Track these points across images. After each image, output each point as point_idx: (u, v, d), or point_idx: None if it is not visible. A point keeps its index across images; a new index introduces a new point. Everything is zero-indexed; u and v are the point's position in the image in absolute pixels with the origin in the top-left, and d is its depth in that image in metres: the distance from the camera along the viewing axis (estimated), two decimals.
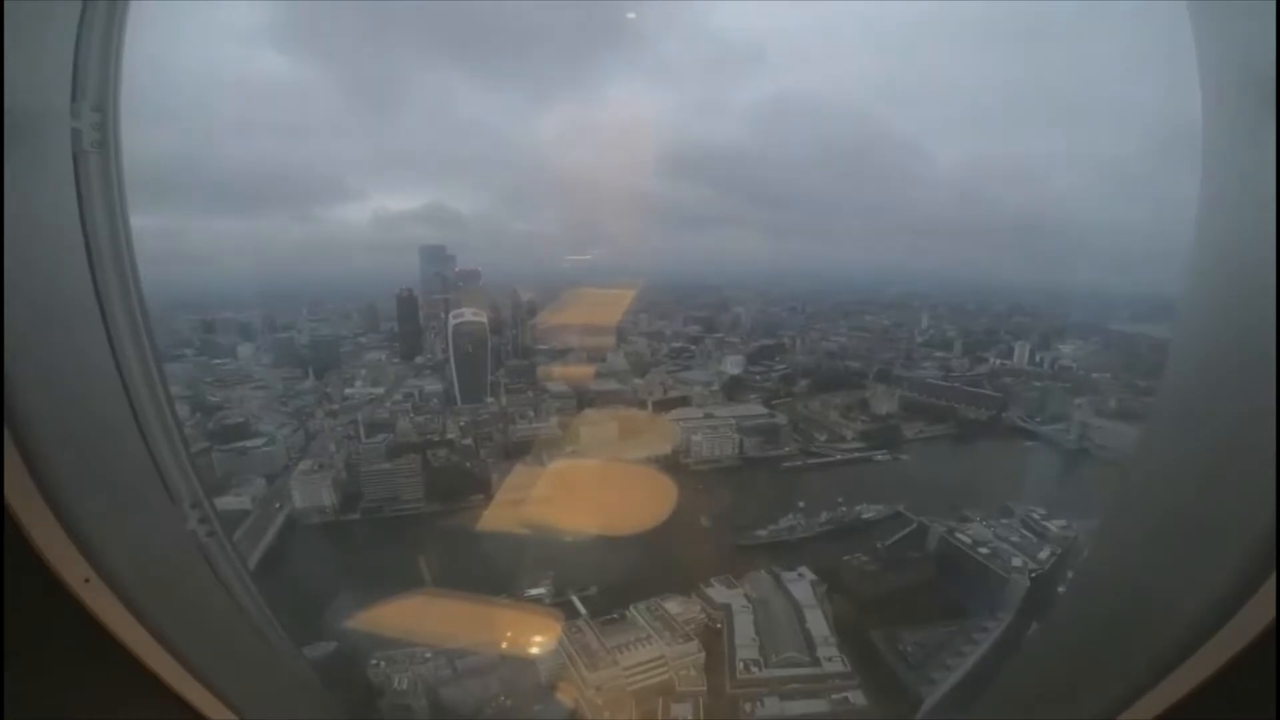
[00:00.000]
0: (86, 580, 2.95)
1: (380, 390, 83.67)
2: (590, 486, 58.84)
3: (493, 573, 48.72)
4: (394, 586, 46.57)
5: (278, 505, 61.05)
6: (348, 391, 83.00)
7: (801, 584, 50.35)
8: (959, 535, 55.67)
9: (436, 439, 74.52)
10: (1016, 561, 51.29)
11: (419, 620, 39.20)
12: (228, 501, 60.54)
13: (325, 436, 73.65)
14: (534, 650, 41.11)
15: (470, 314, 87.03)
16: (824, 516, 63.23)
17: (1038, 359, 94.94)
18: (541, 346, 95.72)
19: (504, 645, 38.32)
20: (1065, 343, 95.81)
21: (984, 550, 53.17)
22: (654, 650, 42.61)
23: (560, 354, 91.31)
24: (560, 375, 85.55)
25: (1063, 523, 56.17)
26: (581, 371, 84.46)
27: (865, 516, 63.42)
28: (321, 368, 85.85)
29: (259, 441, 68.81)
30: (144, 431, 4.05)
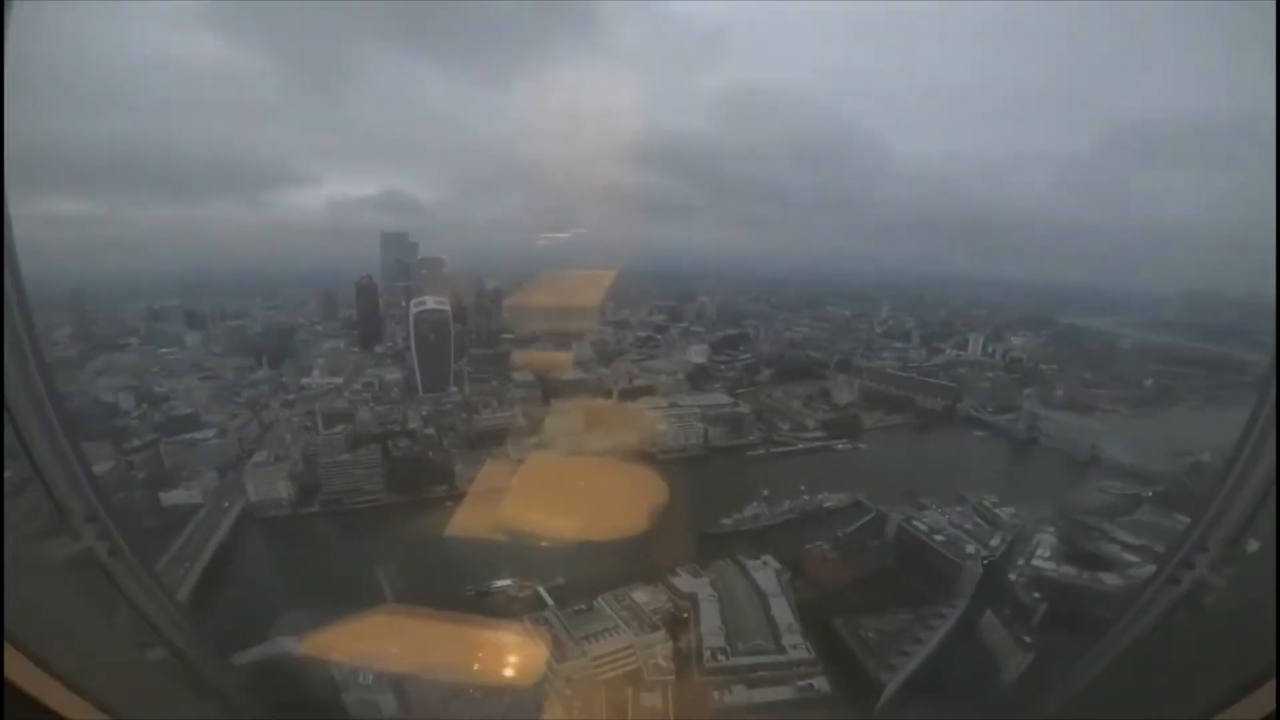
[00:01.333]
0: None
1: (339, 380, 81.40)
2: (560, 485, 58.37)
3: (459, 565, 48.14)
4: (355, 582, 45.66)
5: (227, 501, 58.90)
6: (304, 381, 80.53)
7: (766, 572, 51.16)
8: (916, 523, 57.26)
9: (398, 429, 72.98)
10: (970, 548, 53.11)
11: (381, 639, 37.84)
12: (177, 496, 58.51)
13: (281, 427, 71.44)
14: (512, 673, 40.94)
15: (433, 302, 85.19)
16: (787, 505, 64.30)
17: (990, 350, 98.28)
18: (507, 335, 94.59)
19: (475, 666, 37.48)
20: (1016, 335, 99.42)
21: (940, 538, 54.87)
22: (622, 640, 42.81)
23: (527, 342, 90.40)
24: (528, 363, 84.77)
25: (1012, 510, 58.45)
26: (550, 359, 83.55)
27: (827, 505, 64.75)
28: (276, 357, 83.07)
29: (209, 433, 66.26)
30: (26, 443, 3.67)
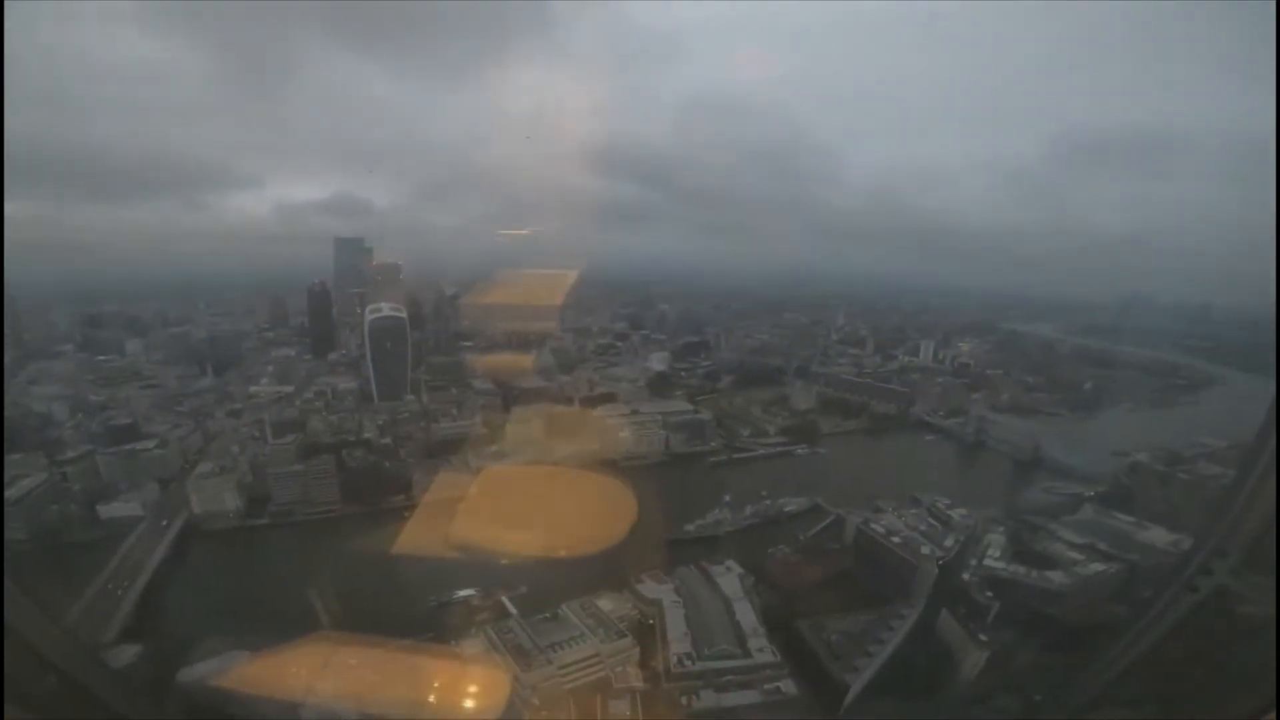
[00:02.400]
0: None
1: (289, 388, 78.57)
2: (521, 494, 57.48)
3: (421, 575, 46.93)
4: (306, 593, 44.01)
5: (169, 514, 56.07)
6: (252, 389, 77.45)
7: (729, 577, 51.48)
8: (873, 525, 58.60)
9: (352, 439, 70.83)
10: (926, 549, 54.63)
11: (334, 668, 35.87)
12: (115, 508, 55.43)
13: (226, 437, 68.48)
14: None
15: (389, 308, 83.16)
16: (748, 510, 64.98)
17: (940, 356, 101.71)
18: (466, 343, 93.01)
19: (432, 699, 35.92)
20: (964, 341, 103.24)
21: (896, 539, 56.28)
22: (588, 648, 42.37)
23: (487, 349, 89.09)
24: (487, 370, 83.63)
25: (964, 511, 60.43)
26: (510, 364, 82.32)
27: (787, 509, 65.70)
28: (222, 364, 79.71)
29: (149, 444, 63.03)
30: None
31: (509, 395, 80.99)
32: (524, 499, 55.91)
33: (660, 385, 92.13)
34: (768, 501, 66.33)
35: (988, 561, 52.75)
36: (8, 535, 45.05)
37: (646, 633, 45.55)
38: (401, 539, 50.53)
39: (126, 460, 60.41)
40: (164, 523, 55.19)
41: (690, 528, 61.45)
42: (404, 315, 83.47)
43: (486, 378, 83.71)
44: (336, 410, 76.09)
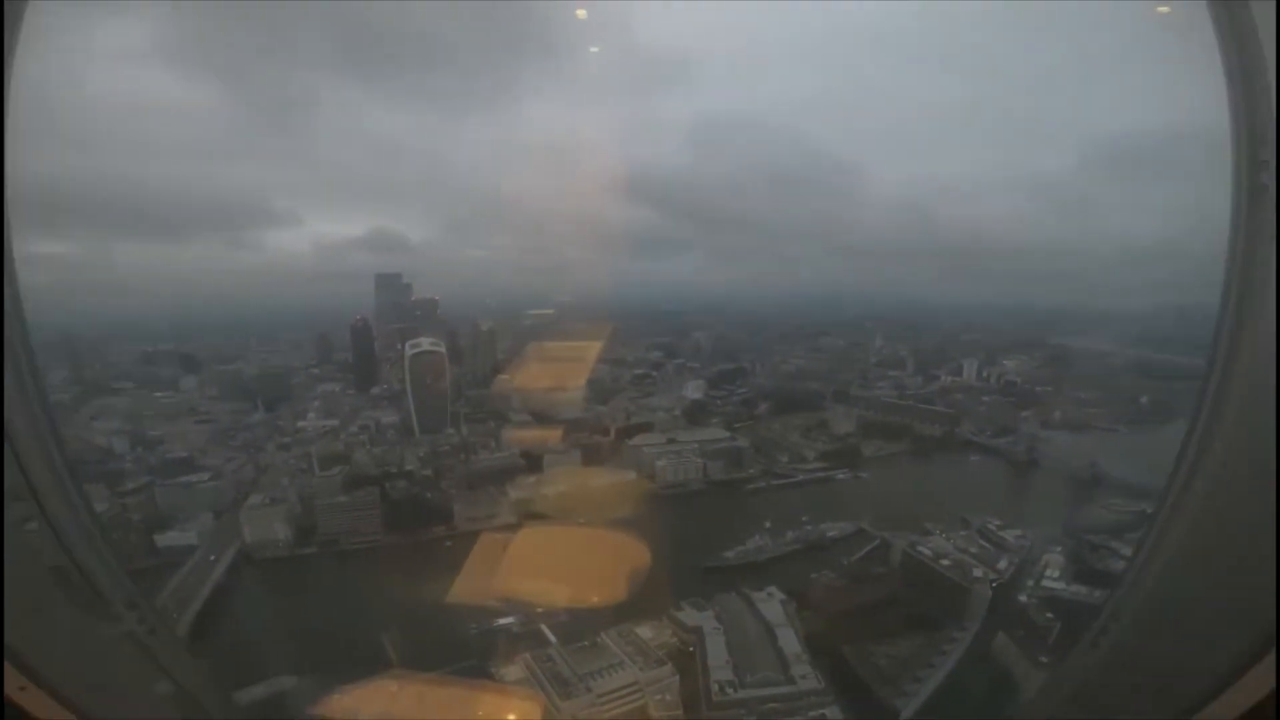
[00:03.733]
0: (22, 688, 2.92)
1: (335, 422, 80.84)
2: (558, 528, 57.38)
3: (459, 602, 47.19)
4: (354, 618, 44.58)
5: (216, 548, 57.89)
6: (300, 424, 79.96)
7: (771, 603, 50.24)
8: (920, 549, 56.72)
9: (395, 471, 72.23)
10: (977, 572, 52.52)
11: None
12: (172, 537, 57.57)
13: (276, 470, 70.60)
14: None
15: (428, 343, 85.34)
16: (790, 536, 63.62)
17: (985, 375, 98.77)
18: (503, 376, 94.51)
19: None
20: (1010, 358, 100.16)
21: (945, 562, 54.29)
22: (627, 676, 41.67)
23: (523, 383, 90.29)
24: (524, 403, 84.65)
25: (1018, 532, 57.98)
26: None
27: (830, 534, 64.11)
28: (271, 400, 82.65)
29: (204, 476, 65.49)
30: (60, 537, 3.56)
31: (547, 426, 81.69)
32: (566, 525, 56.00)
33: (696, 413, 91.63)
34: (809, 527, 64.87)
35: (1046, 582, 50.38)
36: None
37: (687, 660, 44.63)
38: (441, 568, 50.96)
39: (183, 492, 62.77)
40: (220, 548, 57.10)
41: (730, 555, 60.46)
42: (443, 349, 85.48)
43: (523, 410, 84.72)
44: (380, 443, 77.78)
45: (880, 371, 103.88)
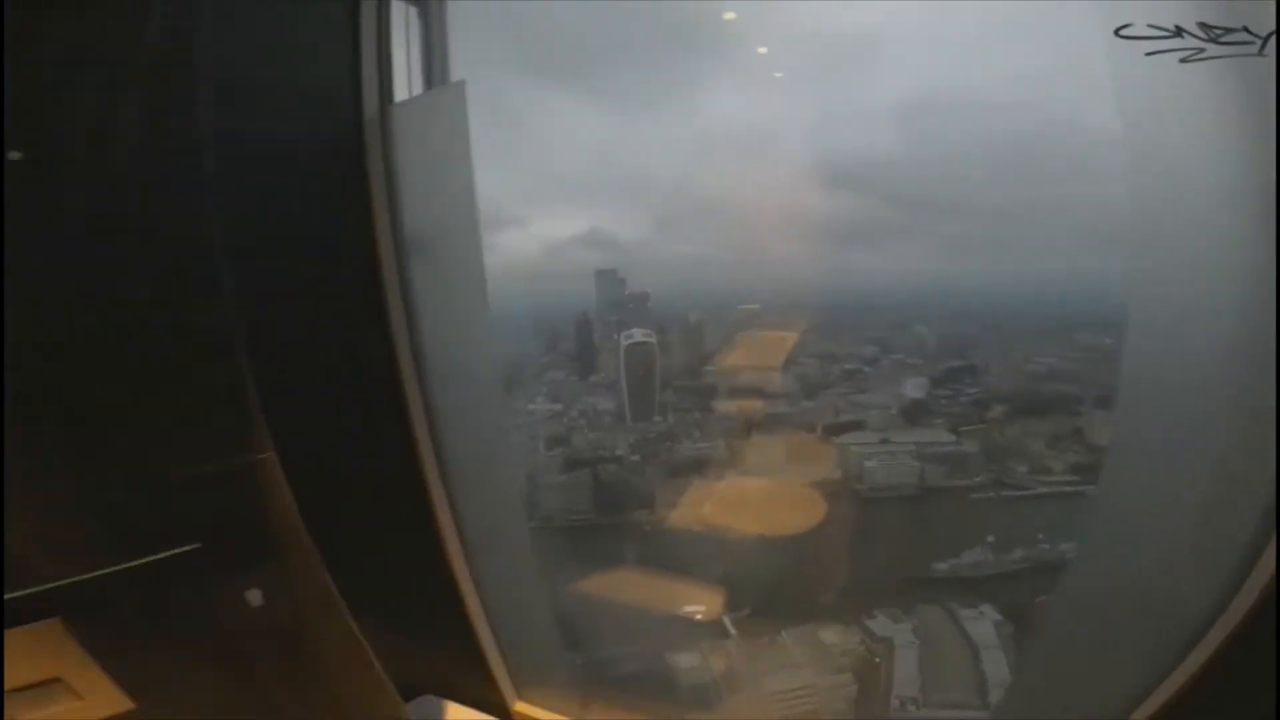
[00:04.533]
0: None
1: (559, 406, 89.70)
2: (758, 514, 57.66)
3: (650, 586, 49.79)
4: (563, 595, 49.18)
5: None
6: (530, 407, 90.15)
7: (982, 623, 44.50)
8: None
9: (607, 455, 78.04)
10: None
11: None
12: None
13: (511, 450, 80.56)
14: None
15: (640, 335, 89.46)
16: (1018, 554, 55.53)
17: None
18: (710, 369, 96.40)
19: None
20: None
21: None
22: (802, 678, 40.44)
23: (730, 376, 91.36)
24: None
25: None
26: (752, 388, 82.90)
27: (1070, 556, 55.21)
28: (508, 385, 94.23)
29: None
30: None
31: (750, 420, 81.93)
32: (759, 519, 55.93)
33: (916, 413, 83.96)
34: (1045, 545, 56.22)
35: None
36: None
37: (870, 671, 41.85)
38: (642, 551, 53.98)
39: None
40: None
41: (942, 566, 54.55)
42: (654, 341, 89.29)
43: (728, 401, 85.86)
44: (596, 428, 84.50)
45: None
